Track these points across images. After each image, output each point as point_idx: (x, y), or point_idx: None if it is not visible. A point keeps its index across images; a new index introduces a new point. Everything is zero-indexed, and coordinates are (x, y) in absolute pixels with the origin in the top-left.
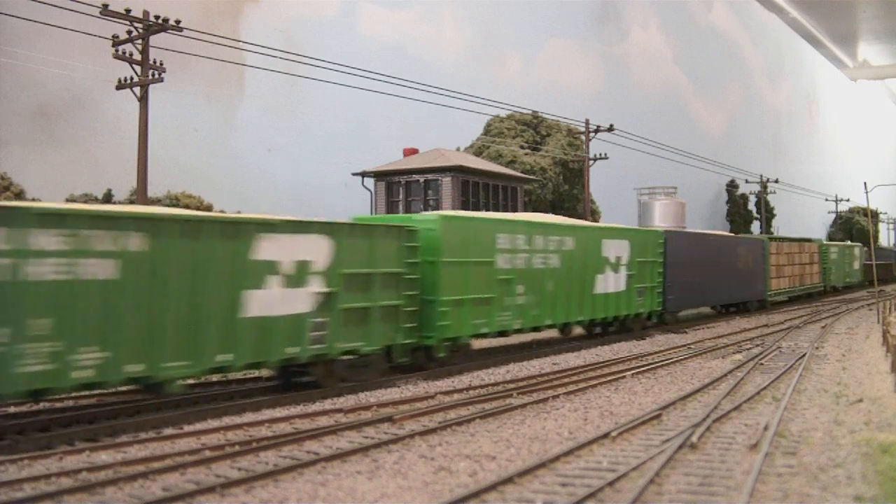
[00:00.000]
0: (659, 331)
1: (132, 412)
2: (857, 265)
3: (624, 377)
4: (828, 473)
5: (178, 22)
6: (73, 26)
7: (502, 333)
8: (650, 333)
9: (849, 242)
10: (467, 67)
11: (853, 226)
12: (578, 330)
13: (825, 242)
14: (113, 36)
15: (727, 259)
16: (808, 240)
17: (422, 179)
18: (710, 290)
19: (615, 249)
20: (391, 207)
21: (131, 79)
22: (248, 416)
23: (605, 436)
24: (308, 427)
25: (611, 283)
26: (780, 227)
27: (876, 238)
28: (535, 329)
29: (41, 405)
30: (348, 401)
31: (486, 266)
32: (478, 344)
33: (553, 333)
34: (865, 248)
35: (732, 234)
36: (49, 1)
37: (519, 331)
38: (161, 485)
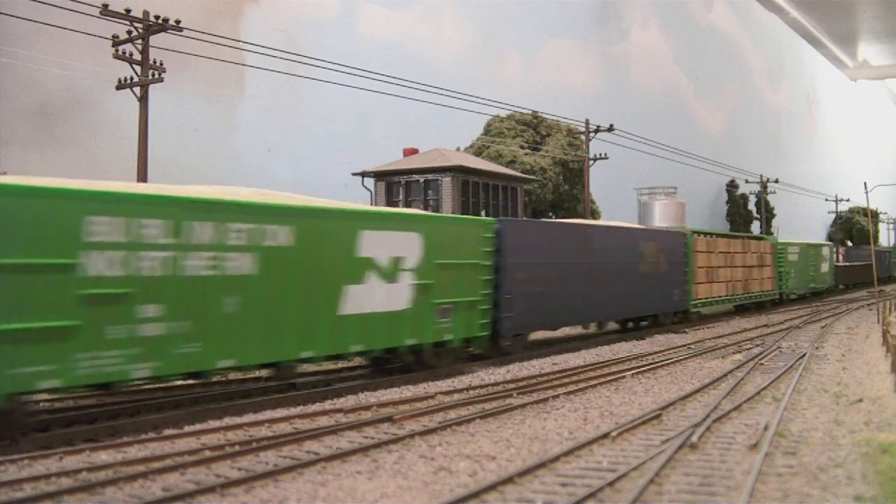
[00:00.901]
0: (658, 331)
1: (132, 412)
2: (825, 268)
3: (624, 377)
4: (828, 473)
5: (178, 22)
6: (73, 26)
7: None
8: (650, 333)
9: (817, 242)
10: (467, 67)
11: (853, 226)
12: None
13: (783, 241)
14: (113, 36)
15: (621, 259)
16: (760, 237)
17: (422, 179)
18: (585, 303)
19: (388, 247)
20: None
21: (131, 79)
22: (248, 417)
23: (605, 436)
24: (308, 427)
25: (377, 297)
26: (781, 227)
27: (876, 238)
28: (196, 374)
29: (41, 405)
30: (348, 401)
31: (53, 273)
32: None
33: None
34: (858, 246)
35: (635, 227)
36: (49, 1)
37: (152, 378)
38: (161, 485)
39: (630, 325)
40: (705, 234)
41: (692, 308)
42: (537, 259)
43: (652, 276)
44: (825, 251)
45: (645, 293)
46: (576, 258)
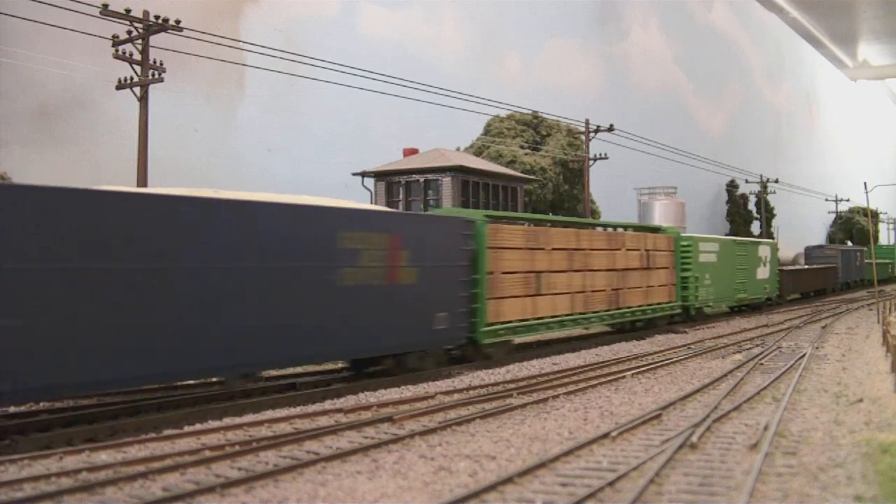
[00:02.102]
0: (658, 331)
1: (132, 412)
2: (763, 273)
3: (624, 377)
4: (828, 473)
5: (178, 22)
6: (73, 26)
7: None
8: (649, 333)
9: (751, 239)
10: (467, 67)
11: (853, 226)
12: None
13: (689, 236)
14: (113, 36)
15: (285, 263)
16: (651, 227)
17: (422, 179)
18: (192, 341)
19: None
20: (391, 207)
21: (131, 79)
22: (248, 417)
23: (605, 436)
24: (308, 427)
25: None
26: (780, 227)
27: (876, 238)
28: None
29: (41, 405)
30: (348, 401)
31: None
32: None
33: None
34: (822, 245)
35: (340, 206)
36: (49, 1)
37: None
38: (161, 485)
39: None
40: (517, 219)
41: (484, 338)
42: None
43: (375, 289)
44: (763, 251)
45: (357, 319)
46: (128, 258)
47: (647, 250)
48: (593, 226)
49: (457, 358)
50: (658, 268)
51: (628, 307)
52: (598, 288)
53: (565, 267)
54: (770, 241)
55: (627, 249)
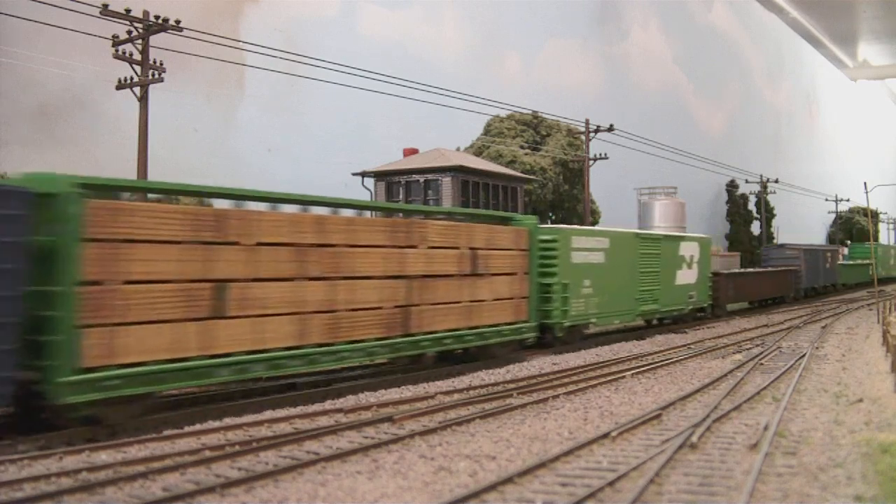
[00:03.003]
0: (658, 331)
1: None
2: (689, 276)
3: (624, 377)
4: (828, 473)
5: (178, 22)
6: (73, 26)
7: None
8: (649, 333)
9: (668, 234)
10: (467, 67)
11: (853, 226)
12: None
13: (559, 227)
14: (113, 36)
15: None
16: (482, 216)
17: (422, 179)
18: None
19: None
20: None
21: (131, 79)
22: (248, 417)
23: (605, 436)
24: (308, 427)
25: None
26: (781, 227)
27: (876, 238)
28: None
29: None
30: (348, 401)
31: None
32: None
33: None
34: (783, 244)
35: None
36: (49, 1)
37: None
38: (161, 485)
39: None
40: (170, 192)
41: (70, 395)
42: None
43: None
44: (688, 248)
45: None
46: None
47: (473, 249)
48: (364, 209)
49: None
50: (496, 274)
51: (431, 332)
52: (364, 305)
53: (290, 272)
54: (701, 236)
55: (431, 247)
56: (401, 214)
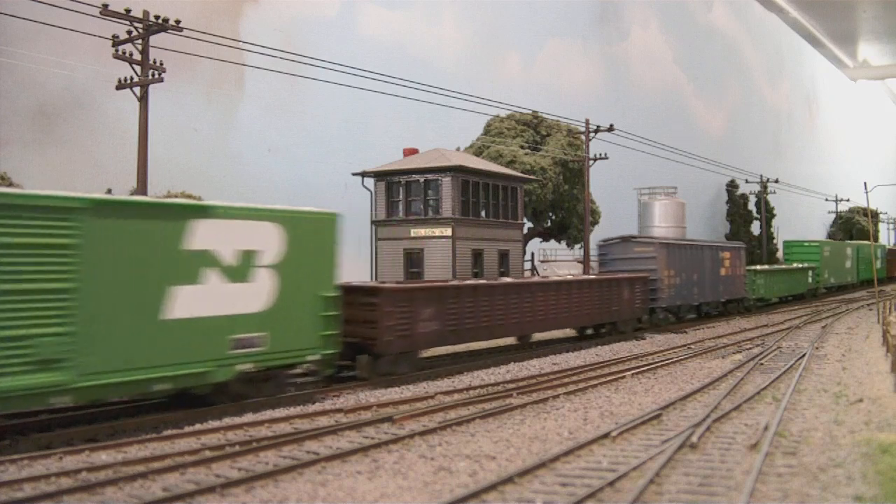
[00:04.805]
0: (658, 331)
1: (132, 412)
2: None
3: (624, 377)
4: (828, 473)
5: (178, 22)
6: (73, 26)
7: None
8: (649, 333)
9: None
10: (467, 67)
11: (853, 226)
12: None
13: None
14: (113, 36)
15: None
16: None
17: (422, 179)
18: None
19: None
20: (391, 207)
21: (131, 79)
22: (248, 416)
23: (606, 436)
24: (308, 427)
25: None
26: (781, 226)
27: (876, 237)
28: None
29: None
30: (348, 401)
31: None
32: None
33: None
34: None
35: None
36: (49, 1)
37: None
38: (161, 485)
39: None
40: None
41: None
42: None
43: None
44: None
45: None
46: None
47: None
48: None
49: None
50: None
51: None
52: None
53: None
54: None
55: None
56: None
